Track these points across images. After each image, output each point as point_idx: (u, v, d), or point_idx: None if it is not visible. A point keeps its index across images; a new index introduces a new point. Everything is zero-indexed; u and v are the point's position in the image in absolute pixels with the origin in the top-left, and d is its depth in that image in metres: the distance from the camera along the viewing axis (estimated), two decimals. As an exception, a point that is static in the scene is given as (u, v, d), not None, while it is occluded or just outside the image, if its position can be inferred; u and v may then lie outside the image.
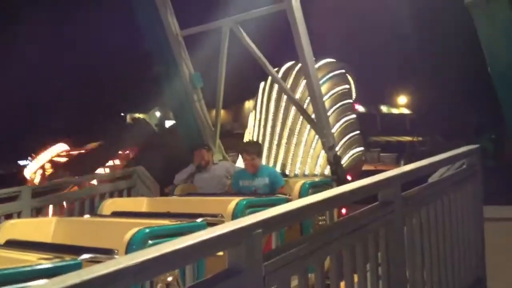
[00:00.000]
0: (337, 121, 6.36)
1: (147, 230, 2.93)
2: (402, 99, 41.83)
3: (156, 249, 1.50)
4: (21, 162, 27.04)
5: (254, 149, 5.11)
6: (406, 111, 41.61)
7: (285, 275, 1.89)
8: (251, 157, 4.95)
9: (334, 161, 5.18)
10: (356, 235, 2.36)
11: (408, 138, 35.52)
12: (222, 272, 1.72)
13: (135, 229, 2.96)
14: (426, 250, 2.99)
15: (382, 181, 2.66)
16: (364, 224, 2.45)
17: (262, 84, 6.72)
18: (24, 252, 2.98)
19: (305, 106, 5.93)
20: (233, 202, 3.68)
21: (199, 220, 3.39)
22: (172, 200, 4.84)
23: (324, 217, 4.34)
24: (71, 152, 23.53)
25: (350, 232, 2.33)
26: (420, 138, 34.52)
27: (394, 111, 42.13)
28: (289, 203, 2.05)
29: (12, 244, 3.35)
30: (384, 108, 41.73)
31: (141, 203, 4.60)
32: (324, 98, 5.74)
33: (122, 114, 34.69)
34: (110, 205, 4.35)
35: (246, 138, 6.80)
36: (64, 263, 2.54)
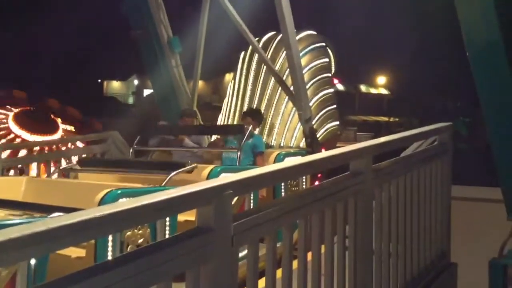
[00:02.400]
0: (315, 94, 6.38)
1: (119, 191, 2.94)
2: (381, 79, 42.16)
3: (125, 203, 1.50)
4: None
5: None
6: (384, 91, 42.02)
7: (254, 236, 1.92)
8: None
9: (309, 133, 5.23)
10: (326, 202, 2.41)
11: (385, 119, 36.01)
12: (191, 229, 1.73)
13: (106, 190, 2.96)
14: (393, 223, 3.07)
15: (354, 152, 2.70)
16: (334, 191, 2.49)
17: (242, 54, 6.67)
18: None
19: (284, 77, 5.92)
20: (207, 169, 3.69)
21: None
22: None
23: (297, 188, 4.41)
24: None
25: (320, 198, 2.37)
26: (397, 119, 35.03)
27: (373, 91, 42.51)
28: (262, 167, 2.07)
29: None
30: (363, 87, 42.04)
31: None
32: (304, 71, 5.74)
33: (99, 80, 34.08)
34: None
35: (224, 108, 6.78)
36: (33, 219, 2.52)
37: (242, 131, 4.54)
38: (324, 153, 2.60)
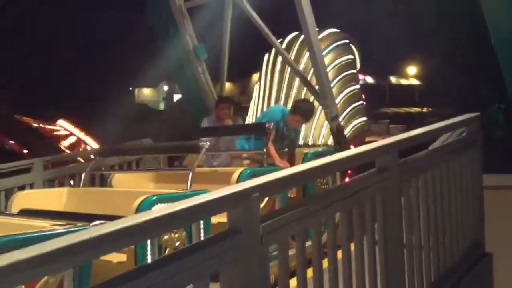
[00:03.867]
0: (341, 91, 6.40)
1: (154, 197, 3.08)
2: (412, 70, 41.40)
3: (161, 209, 1.62)
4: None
5: None
6: (415, 82, 41.25)
7: (282, 236, 2.01)
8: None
9: (336, 131, 5.27)
10: (353, 199, 2.46)
11: (417, 110, 35.36)
12: (223, 232, 1.83)
13: (142, 197, 3.11)
14: (423, 216, 3.10)
15: (379, 148, 2.74)
16: (360, 188, 2.55)
17: (266, 55, 6.75)
18: (38, 220, 3.13)
19: (308, 77, 5.98)
20: (237, 172, 3.80)
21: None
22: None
23: (327, 186, 4.46)
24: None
25: (346, 196, 2.43)
26: (430, 109, 34.33)
27: (403, 82, 41.79)
28: (287, 169, 2.15)
29: (26, 212, 3.50)
30: (393, 79, 41.39)
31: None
32: (328, 69, 5.77)
33: (130, 88, 34.82)
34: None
35: (251, 110, 6.88)
36: (76, 229, 2.68)
37: (265, 130, 4.59)
38: (349, 151, 2.66)
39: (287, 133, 4.99)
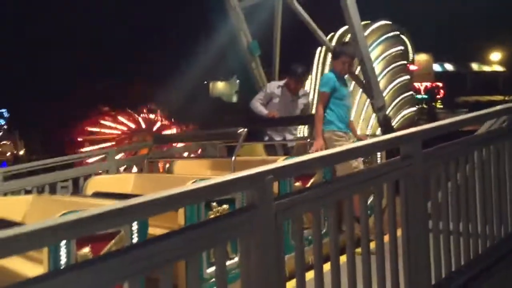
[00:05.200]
0: (390, 82, 6.48)
1: (201, 181, 3.48)
2: (495, 56, 39.07)
3: (199, 183, 2.05)
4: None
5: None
6: (499, 68, 38.90)
7: (296, 213, 2.31)
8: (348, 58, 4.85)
9: (383, 121, 5.40)
10: (374, 182, 2.69)
11: (500, 98, 33.39)
12: (240, 208, 2.18)
13: (192, 181, 3.52)
14: (454, 203, 3.23)
15: (403, 136, 2.94)
16: (383, 173, 2.77)
17: (319, 49, 6.96)
18: (107, 200, 3.65)
19: (357, 70, 6.13)
20: (280, 159, 4.11)
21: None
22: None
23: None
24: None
25: (367, 179, 2.66)
26: (514, 97, 32.32)
27: (486, 68, 39.57)
28: (302, 156, 2.45)
29: (98, 194, 4.07)
30: (474, 66, 39.34)
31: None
32: (378, 60, 5.89)
33: (205, 82, 36.03)
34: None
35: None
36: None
37: (310, 121, 4.81)
38: (374, 139, 2.88)
39: None
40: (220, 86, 36.10)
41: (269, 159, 4.55)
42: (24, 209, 3.59)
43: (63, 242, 2.60)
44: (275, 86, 5.97)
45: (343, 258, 2.43)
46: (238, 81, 34.16)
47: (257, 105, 5.97)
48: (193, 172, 4.78)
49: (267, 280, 2.13)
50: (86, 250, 2.64)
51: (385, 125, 5.37)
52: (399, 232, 2.82)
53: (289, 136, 5.80)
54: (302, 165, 2.35)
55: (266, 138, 5.88)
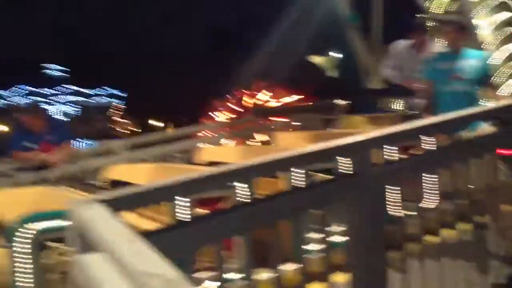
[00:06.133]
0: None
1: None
2: None
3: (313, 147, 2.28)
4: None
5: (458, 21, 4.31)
6: None
7: (392, 179, 2.39)
8: (452, 28, 4.02)
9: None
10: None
11: None
12: (342, 174, 2.30)
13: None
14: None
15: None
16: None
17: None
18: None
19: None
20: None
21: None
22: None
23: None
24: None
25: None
26: None
27: None
28: (398, 126, 2.52)
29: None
30: None
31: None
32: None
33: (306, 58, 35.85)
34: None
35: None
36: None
37: (412, 93, 4.55)
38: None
39: None
40: (319, 60, 35.75)
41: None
42: (146, 175, 4.01)
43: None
44: (402, 47, 5.07)
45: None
46: (336, 55, 33.60)
47: (388, 72, 5.15)
48: (292, 144, 4.96)
49: (368, 245, 2.26)
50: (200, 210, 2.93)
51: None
52: None
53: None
54: (401, 134, 2.42)
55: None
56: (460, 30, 4.04)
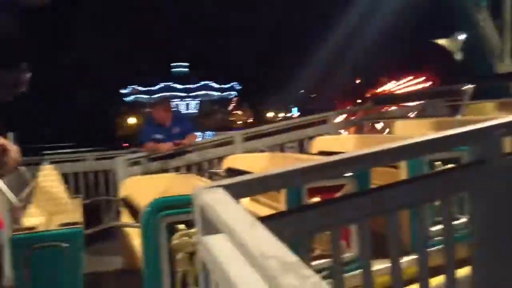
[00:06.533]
0: None
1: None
2: None
3: (427, 136, 2.13)
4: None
5: None
6: None
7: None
8: None
9: None
10: None
11: None
12: (468, 162, 2.16)
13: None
14: None
15: None
16: None
17: None
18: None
19: None
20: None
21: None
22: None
23: None
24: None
25: None
26: None
27: None
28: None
29: (321, 153, 4.42)
30: None
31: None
32: None
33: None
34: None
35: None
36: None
37: None
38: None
39: None
40: (445, 42, 33.63)
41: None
42: (261, 163, 4.13)
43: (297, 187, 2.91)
44: None
45: None
46: (462, 37, 31.28)
47: None
48: (413, 133, 4.74)
49: (499, 240, 2.09)
50: (317, 199, 2.94)
51: None
52: None
53: None
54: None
55: None
56: None
